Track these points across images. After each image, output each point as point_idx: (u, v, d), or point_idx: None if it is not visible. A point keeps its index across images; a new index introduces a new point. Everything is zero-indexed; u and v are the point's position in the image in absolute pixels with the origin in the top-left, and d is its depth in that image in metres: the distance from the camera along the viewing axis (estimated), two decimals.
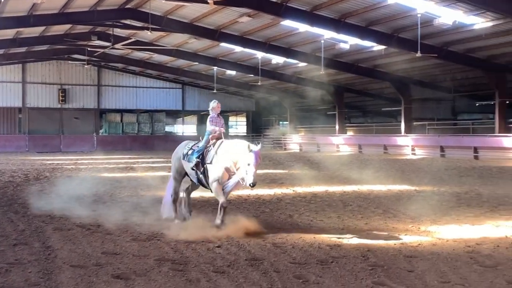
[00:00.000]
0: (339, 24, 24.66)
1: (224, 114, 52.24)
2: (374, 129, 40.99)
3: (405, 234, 8.63)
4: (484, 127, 32.92)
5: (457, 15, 21.72)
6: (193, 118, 54.42)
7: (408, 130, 34.38)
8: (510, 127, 29.91)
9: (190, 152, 9.73)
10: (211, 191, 9.34)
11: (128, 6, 27.32)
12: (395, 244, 7.86)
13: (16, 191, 14.48)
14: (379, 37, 25.89)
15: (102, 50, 35.09)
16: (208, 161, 9.24)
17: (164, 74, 46.17)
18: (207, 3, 21.98)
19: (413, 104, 35.59)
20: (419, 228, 9.20)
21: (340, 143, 38.98)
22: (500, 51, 26.68)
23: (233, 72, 40.15)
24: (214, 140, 9.52)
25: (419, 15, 22.06)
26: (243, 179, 8.70)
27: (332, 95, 41.13)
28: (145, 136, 46.65)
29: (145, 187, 15.57)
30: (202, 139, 9.73)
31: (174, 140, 43.24)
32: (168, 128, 52.24)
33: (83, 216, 10.31)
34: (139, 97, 47.35)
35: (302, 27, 26.61)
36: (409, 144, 32.49)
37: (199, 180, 9.54)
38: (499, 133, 28.13)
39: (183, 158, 9.81)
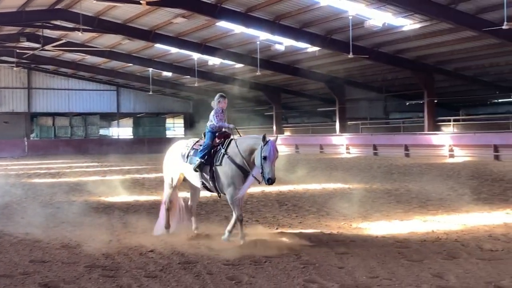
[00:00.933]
0: (274, 25, 24.90)
1: (161, 116, 51.70)
2: (311, 129, 41.66)
3: (337, 232, 8.82)
4: (414, 125, 34.13)
5: (386, 17, 22.40)
6: (129, 121, 53.43)
7: (343, 130, 35.19)
8: (438, 125, 31.16)
9: (192, 152, 8.54)
10: (219, 196, 8.48)
11: (58, 6, 26.49)
12: (327, 242, 8.02)
13: None
14: (313, 39, 26.33)
15: (31, 52, 33.92)
16: (217, 163, 8.13)
17: (97, 76, 45.06)
18: (140, 3, 21.62)
19: (347, 104, 36.47)
20: (351, 225, 9.42)
21: (277, 143, 39.23)
22: (428, 52, 27.72)
23: (169, 74, 39.74)
24: (222, 139, 8.49)
25: (350, 17, 22.60)
26: (259, 176, 7.80)
27: (269, 96, 41.54)
28: (79, 140, 45.35)
29: (78, 192, 15.16)
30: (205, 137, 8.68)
31: (109, 144, 42.57)
32: (102, 131, 51.05)
33: (10, 224, 9.94)
34: (71, 100, 45.98)
35: (237, 29, 26.69)
36: (344, 143, 33.24)
37: (204, 184, 8.43)
38: (428, 131, 29.25)
39: (184, 160, 8.57)
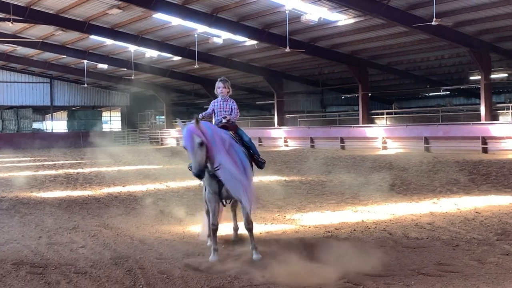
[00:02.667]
0: (212, 18, 24.85)
1: (97, 109, 50.57)
2: (249, 122, 41.87)
3: (271, 223, 8.95)
4: (350, 118, 34.99)
5: (322, 12, 22.79)
6: (64, 114, 51.98)
7: (281, 123, 35.60)
8: (372, 118, 32.07)
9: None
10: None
11: None
12: (260, 233, 8.13)
13: None
14: (251, 32, 26.47)
15: None
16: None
17: (30, 68, 43.54)
18: None
19: (285, 98, 36.90)
20: (284, 216, 9.58)
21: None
22: (362, 47, 28.46)
23: (105, 66, 38.89)
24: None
25: (287, 12, 22.87)
26: None
27: (208, 89, 41.40)
28: (10, 134, 43.71)
29: (8, 188, 14.64)
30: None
31: (42, 138, 41.25)
32: (36, 125, 49.40)
33: None
34: (2, 93, 44.24)
35: (174, 21, 26.44)
36: (282, 136, 33.63)
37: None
38: (362, 124, 30.05)
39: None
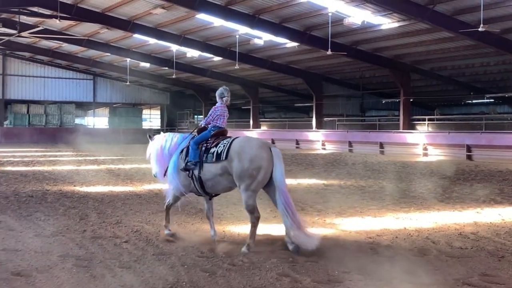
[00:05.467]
0: (254, 19, 24.92)
1: (138, 106, 51.39)
2: (287, 124, 41.84)
3: (312, 227, 8.89)
4: (390, 123, 34.55)
5: (365, 15, 22.58)
6: (105, 111, 53.00)
7: (319, 126, 35.42)
8: (413, 124, 31.59)
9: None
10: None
11: None
12: None
13: None
14: (292, 34, 26.43)
15: (7, 38, 33.30)
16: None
17: (74, 65, 44.54)
18: None
19: (324, 101, 36.73)
20: (324, 220, 9.53)
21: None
22: (405, 51, 28.08)
23: (147, 65, 39.44)
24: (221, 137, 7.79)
25: (330, 14, 22.73)
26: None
27: (247, 90, 41.61)
28: (53, 128, 44.80)
29: (52, 181, 15.01)
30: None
31: (84, 133, 42.06)
32: (78, 121, 50.51)
33: None
34: (47, 88, 45.39)
35: (217, 22, 26.61)
36: (320, 139, 33.46)
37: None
38: (403, 129, 29.63)
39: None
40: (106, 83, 48.21)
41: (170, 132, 8.81)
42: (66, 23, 29.87)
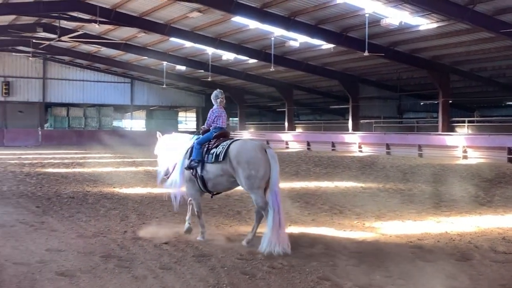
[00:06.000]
0: (289, 22, 24.86)
1: (174, 109, 51.96)
2: (323, 126, 41.60)
3: (351, 230, 8.83)
4: (428, 125, 33.96)
5: (403, 15, 22.28)
6: (142, 113, 53.73)
7: (356, 128, 35.09)
8: (452, 126, 30.99)
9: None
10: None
11: None
12: (340, 240, 8.03)
13: None
14: (328, 36, 26.26)
15: (48, 42, 34.11)
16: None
17: (112, 68, 45.31)
18: None
19: (360, 102, 36.36)
20: (364, 224, 9.42)
21: (289, 140, 39.36)
22: (444, 52, 27.56)
23: (183, 68, 39.83)
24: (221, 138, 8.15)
25: (367, 15, 22.50)
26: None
27: (282, 92, 41.57)
28: (92, 130, 45.62)
29: (92, 183, 15.28)
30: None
31: (122, 135, 42.70)
32: (116, 123, 51.34)
33: (25, 212, 10.08)
34: (86, 91, 46.30)
35: (252, 24, 26.68)
36: (356, 142, 33.14)
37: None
38: (442, 131, 29.08)
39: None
40: (143, 86, 48.87)
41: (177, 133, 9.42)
42: (105, 27, 30.43)
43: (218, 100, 8.43)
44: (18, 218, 9.50)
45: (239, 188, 14.02)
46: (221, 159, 7.61)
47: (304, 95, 45.15)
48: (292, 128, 41.56)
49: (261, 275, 6.18)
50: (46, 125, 45.43)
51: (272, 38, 28.38)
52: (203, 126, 8.56)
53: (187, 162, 8.08)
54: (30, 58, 40.01)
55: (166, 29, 29.11)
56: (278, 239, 7.09)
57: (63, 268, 6.32)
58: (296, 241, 7.89)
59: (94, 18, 26.62)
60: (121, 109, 51.13)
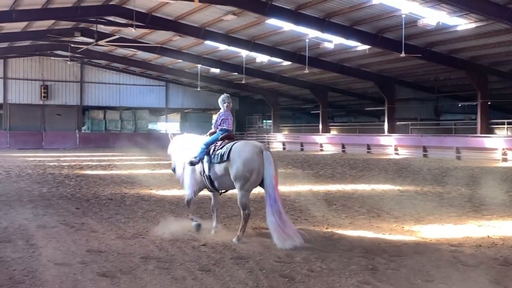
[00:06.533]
0: (324, 23, 24.76)
1: (208, 112, 52.29)
2: (358, 129, 41.23)
3: (389, 234, 8.70)
4: (466, 127, 33.29)
5: (441, 16, 21.92)
6: (177, 116, 54.25)
7: (391, 130, 34.65)
8: (491, 128, 30.31)
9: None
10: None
11: (112, 2, 27.16)
12: (379, 244, 7.92)
13: None
14: (364, 37, 26.05)
15: (85, 47, 34.78)
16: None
17: (147, 72, 45.92)
18: (193, 0, 21.93)
19: (396, 104, 35.91)
20: (403, 227, 9.27)
21: (324, 142, 39.14)
22: (482, 53, 27.01)
23: (217, 70, 40.08)
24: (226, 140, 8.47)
25: (403, 16, 22.24)
26: None
27: (316, 94, 41.37)
28: (128, 133, 46.29)
29: (129, 184, 15.48)
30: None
31: (157, 138, 43.21)
32: (151, 126, 51.95)
33: (66, 213, 10.27)
34: (122, 94, 47.05)
35: (286, 26, 26.66)
36: (392, 144, 32.74)
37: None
38: (480, 133, 28.47)
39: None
40: (178, 89, 49.36)
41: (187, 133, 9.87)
42: (141, 31, 30.86)
43: (225, 105, 8.74)
44: (59, 219, 9.68)
45: None
46: (225, 159, 7.99)
47: (338, 97, 44.85)
48: (326, 130, 41.32)
49: (300, 278, 6.13)
50: (83, 128, 46.32)
51: (307, 40, 28.31)
52: (211, 129, 8.95)
53: (193, 159, 8.54)
54: (68, 62, 40.93)
55: (200, 32, 29.35)
56: (283, 236, 7.44)
57: (104, 269, 6.39)
58: (334, 244, 7.84)
59: (130, 22, 27.01)
60: (156, 112, 51.73)
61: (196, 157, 8.46)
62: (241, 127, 52.65)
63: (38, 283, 5.84)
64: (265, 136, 47.98)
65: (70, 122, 45.15)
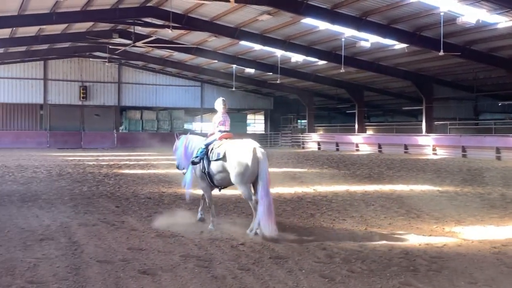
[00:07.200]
0: (360, 22, 24.52)
1: (243, 112, 52.49)
2: (395, 128, 40.71)
3: (430, 235, 8.57)
4: (507, 127, 32.49)
5: (480, 13, 21.45)
6: (211, 116, 54.54)
7: (429, 130, 34.09)
8: None
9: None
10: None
11: (149, 4, 27.49)
12: (420, 245, 7.81)
13: (40, 187, 14.67)
14: (401, 35, 25.69)
15: (123, 48, 35.33)
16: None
17: (183, 72, 46.35)
18: (228, 1, 22.03)
19: (434, 103, 35.30)
20: (443, 228, 9.12)
21: (360, 142, 38.78)
22: None
23: (252, 70, 40.14)
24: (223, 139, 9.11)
25: (442, 14, 21.84)
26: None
27: (352, 93, 41.02)
28: (165, 133, 46.79)
29: (167, 184, 15.66)
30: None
31: None
32: (186, 126, 52.41)
33: (106, 212, 10.45)
34: (158, 95, 47.63)
35: (322, 25, 26.51)
36: (430, 144, 32.23)
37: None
38: None
39: None
40: (213, 89, 49.63)
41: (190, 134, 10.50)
42: (177, 32, 31.13)
43: (221, 107, 9.52)
44: (100, 217, 9.85)
45: (311, 191, 14.02)
46: (221, 157, 8.67)
47: (375, 96, 44.38)
48: (362, 130, 40.93)
49: (340, 279, 6.09)
50: (121, 128, 47.05)
51: (343, 39, 28.09)
52: (210, 131, 9.71)
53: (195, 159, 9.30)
54: (106, 64, 41.65)
55: (236, 32, 29.44)
56: (268, 225, 7.94)
57: (145, 267, 6.47)
58: (374, 245, 7.75)
59: (167, 23, 27.32)
60: (191, 112, 52.17)
61: (197, 156, 9.19)
62: (275, 127, 52.63)
63: (81, 280, 5.95)
64: (300, 136, 47.83)
65: (108, 122, 45.93)
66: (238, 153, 8.44)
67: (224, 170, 8.69)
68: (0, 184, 15.12)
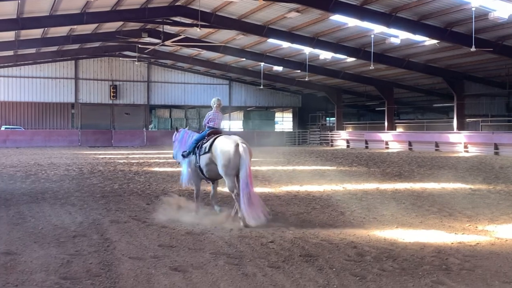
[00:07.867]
0: (390, 18, 24.30)
1: (271, 109, 52.48)
2: (425, 126, 40.19)
3: (463, 233, 8.43)
4: None
5: None
6: (239, 114, 54.74)
7: (461, 127, 33.58)
8: None
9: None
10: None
11: (178, 3, 27.72)
12: (452, 243, 7.69)
13: (72, 184, 14.91)
14: (431, 31, 25.37)
15: (152, 47, 35.68)
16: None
17: (211, 70, 46.59)
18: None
19: (466, 100, 34.76)
20: (476, 227, 8.96)
21: (389, 140, 38.40)
22: None
23: (280, 68, 40.12)
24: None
25: (473, 9, 21.50)
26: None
27: (381, 90, 40.63)
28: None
29: None
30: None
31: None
32: None
33: (137, 209, 10.57)
34: (187, 93, 48.00)
35: (351, 22, 26.33)
36: (462, 141, 31.73)
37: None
38: None
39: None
40: (241, 87, 49.79)
41: (187, 129, 11.41)
42: (205, 30, 31.32)
43: (215, 105, 10.43)
44: (131, 214, 9.97)
45: (340, 189, 13.94)
46: (207, 151, 9.53)
47: (405, 94, 43.89)
48: (392, 127, 40.52)
49: (372, 277, 6.04)
50: (150, 126, 47.54)
51: (372, 36, 27.87)
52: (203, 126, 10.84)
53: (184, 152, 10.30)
54: (136, 63, 42.13)
55: (264, 30, 29.46)
56: (248, 215, 8.63)
57: (176, 264, 6.53)
58: (405, 243, 7.67)
59: (195, 22, 27.48)
60: None
61: (186, 150, 10.19)
62: (303, 125, 52.46)
63: (113, 276, 6.03)
64: (328, 134, 47.60)
65: (138, 121, 46.48)
66: (222, 147, 9.20)
67: (211, 162, 9.51)
68: (33, 182, 15.42)
